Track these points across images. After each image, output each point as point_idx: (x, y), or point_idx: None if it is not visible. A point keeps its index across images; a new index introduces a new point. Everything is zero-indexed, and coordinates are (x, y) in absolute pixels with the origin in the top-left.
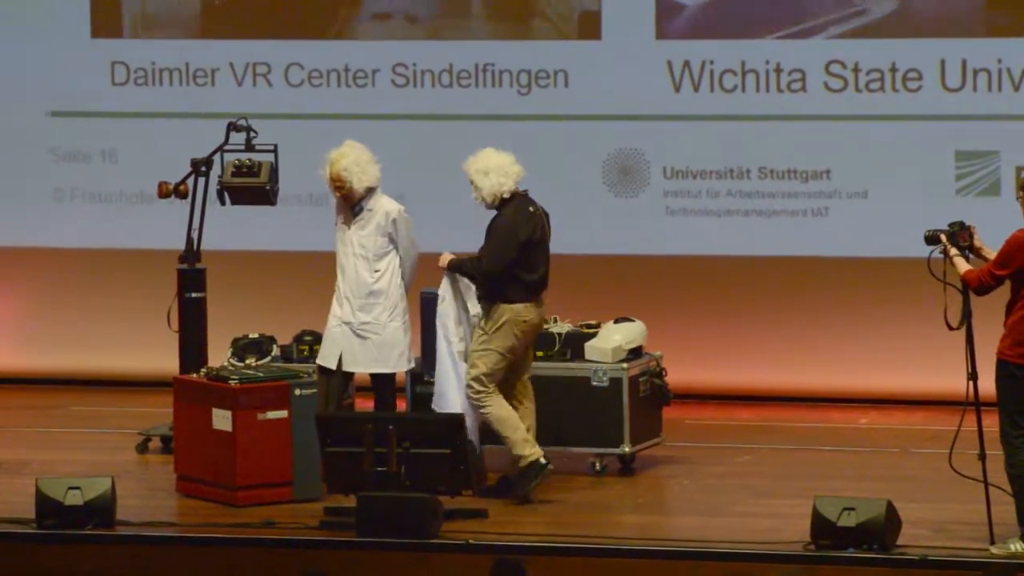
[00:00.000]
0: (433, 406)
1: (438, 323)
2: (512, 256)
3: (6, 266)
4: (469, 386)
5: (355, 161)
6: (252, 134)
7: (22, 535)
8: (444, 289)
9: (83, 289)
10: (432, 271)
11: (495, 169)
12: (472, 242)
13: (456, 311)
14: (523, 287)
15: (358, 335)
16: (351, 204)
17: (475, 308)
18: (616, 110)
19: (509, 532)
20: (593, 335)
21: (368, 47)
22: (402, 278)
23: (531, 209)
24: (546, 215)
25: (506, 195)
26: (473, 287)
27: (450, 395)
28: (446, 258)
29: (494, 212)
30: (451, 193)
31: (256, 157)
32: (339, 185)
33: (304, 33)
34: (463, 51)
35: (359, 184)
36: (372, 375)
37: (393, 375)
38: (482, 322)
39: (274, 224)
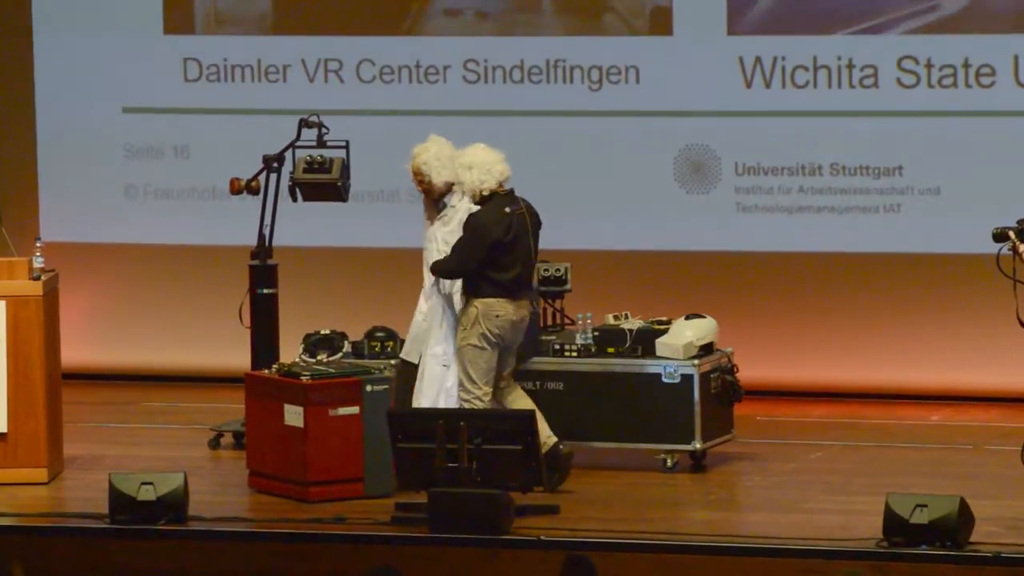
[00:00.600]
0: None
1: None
2: (480, 257)
3: (78, 262)
4: (459, 385)
5: (435, 156)
6: (324, 130)
7: (95, 530)
8: (431, 293)
9: (155, 285)
10: None
11: (478, 165)
12: (546, 237)
13: (440, 316)
14: (494, 285)
15: None
16: (433, 199)
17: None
18: (687, 106)
19: (580, 528)
20: (664, 331)
21: (439, 43)
22: None
23: (507, 210)
24: (531, 215)
25: (486, 192)
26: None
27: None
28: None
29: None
30: (523, 189)
31: (328, 153)
32: (419, 179)
33: (375, 29)
34: (534, 47)
35: (438, 179)
36: None
37: None
38: (460, 318)
39: (345, 220)
